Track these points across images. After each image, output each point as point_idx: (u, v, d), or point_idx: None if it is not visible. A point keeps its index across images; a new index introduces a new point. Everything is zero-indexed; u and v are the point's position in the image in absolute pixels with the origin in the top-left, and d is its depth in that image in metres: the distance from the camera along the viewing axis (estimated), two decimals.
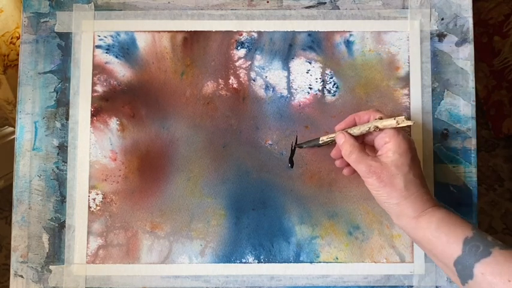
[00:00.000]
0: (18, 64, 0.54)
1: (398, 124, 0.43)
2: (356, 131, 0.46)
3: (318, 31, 0.54)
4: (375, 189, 0.44)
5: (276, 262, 0.52)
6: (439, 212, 0.43)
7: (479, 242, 0.40)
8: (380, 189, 0.43)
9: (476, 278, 0.39)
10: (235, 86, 0.54)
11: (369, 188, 0.45)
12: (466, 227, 0.41)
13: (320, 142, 0.50)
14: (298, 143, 0.53)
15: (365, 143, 0.48)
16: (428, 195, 0.44)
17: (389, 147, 0.43)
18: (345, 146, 0.45)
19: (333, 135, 0.48)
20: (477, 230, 0.41)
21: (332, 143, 0.49)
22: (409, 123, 0.43)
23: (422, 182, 0.44)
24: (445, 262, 0.42)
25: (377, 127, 0.44)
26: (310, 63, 0.54)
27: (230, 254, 0.52)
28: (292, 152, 0.53)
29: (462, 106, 0.54)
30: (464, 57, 0.54)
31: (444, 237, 0.41)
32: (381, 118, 0.45)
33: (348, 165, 0.49)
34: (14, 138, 0.65)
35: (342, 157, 0.47)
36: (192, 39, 0.54)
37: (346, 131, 0.47)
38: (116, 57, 0.54)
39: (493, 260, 0.38)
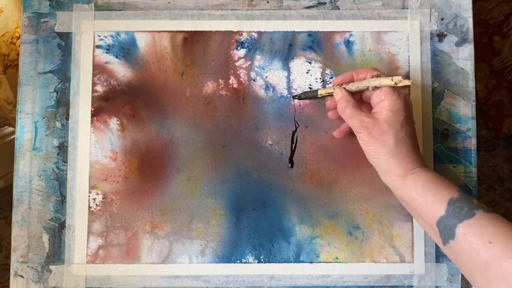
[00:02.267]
0: (18, 64, 0.54)
1: (396, 84, 0.44)
2: (353, 87, 0.47)
3: (318, 31, 0.54)
4: (365, 145, 0.44)
5: (276, 262, 0.52)
6: (426, 173, 0.43)
7: (463, 204, 0.40)
8: (370, 144, 0.44)
9: (458, 238, 0.39)
10: (235, 86, 0.54)
11: (360, 144, 0.45)
12: (452, 189, 0.42)
13: (318, 95, 0.50)
14: (295, 95, 0.53)
15: (362, 100, 0.49)
16: (417, 155, 0.44)
17: (383, 105, 0.44)
18: (341, 102, 0.46)
19: (330, 89, 0.49)
20: (463, 192, 0.41)
21: (329, 96, 0.50)
22: (407, 82, 0.43)
23: (413, 141, 0.44)
24: (428, 221, 0.42)
25: (374, 86, 0.45)
26: (310, 63, 0.54)
27: (230, 254, 0.52)
28: (292, 152, 0.53)
29: (462, 106, 0.54)
30: (464, 57, 0.54)
31: (429, 197, 0.42)
32: (378, 76, 0.45)
33: (337, 116, 0.50)
34: (14, 138, 0.65)
35: (335, 109, 0.49)
36: (192, 39, 0.54)
37: (344, 87, 0.47)
38: (116, 57, 0.54)
39: (476, 222, 0.39)
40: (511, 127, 1.19)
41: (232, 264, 0.52)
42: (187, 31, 0.54)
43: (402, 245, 0.53)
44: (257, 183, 0.53)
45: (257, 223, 0.53)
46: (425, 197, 0.42)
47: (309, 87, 0.54)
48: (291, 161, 0.53)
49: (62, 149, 0.53)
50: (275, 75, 0.54)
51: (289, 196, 0.53)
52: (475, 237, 0.38)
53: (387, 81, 0.44)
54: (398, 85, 0.44)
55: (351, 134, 0.51)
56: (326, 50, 0.54)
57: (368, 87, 0.46)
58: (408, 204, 0.44)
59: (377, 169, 0.46)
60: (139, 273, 0.52)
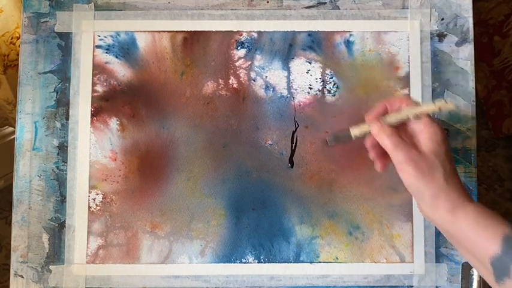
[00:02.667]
0: (18, 64, 0.54)
1: (440, 109, 0.41)
2: (391, 119, 0.42)
3: (318, 31, 0.54)
4: (412, 180, 0.41)
5: (276, 262, 0.52)
6: (476, 207, 0.41)
7: None
8: (418, 179, 0.40)
9: None
10: (235, 86, 0.54)
11: (403, 179, 0.42)
12: (504, 223, 0.40)
13: (352, 137, 0.44)
14: (327, 139, 0.46)
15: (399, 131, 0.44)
16: (463, 188, 0.42)
17: (426, 136, 0.41)
18: (381, 135, 0.42)
19: (365, 126, 0.44)
20: None
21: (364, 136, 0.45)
22: (451, 106, 0.41)
23: (457, 174, 0.42)
24: (479, 258, 0.40)
25: (416, 114, 0.41)
26: (310, 63, 0.54)
27: (230, 254, 0.52)
28: (292, 152, 0.53)
29: (462, 106, 0.54)
30: (464, 57, 0.54)
31: (482, 233, 0.39)
32: (416, 104, 0.42)
33: (381, 157, 0.45)
34: (14, 138, 0.65)
35: (375, 147, 0.44)
36: (192, 39, 0.54)
37: (381, 119, 0.43)
38: (116, 57, 0.54)
39: None
40: (511, 127, 1.19)
41: (232, 264, 0.52)
42: (187, 31, 0.54)
43: (402, 245, 0.53)
44: (257, 183, 0.53)
45: (257, 223, 0.53)
46: (477, 233, 0.40)
47: (309, 87, 0.54)
48: (291, 161, 0.53)
49: (62, 149, 0.53)
50: (275, 75, 0.54)
51: (289, 196, 0.53)
52: None
53: (431, 106, 0.41)
54: (442, 110, 0.41)
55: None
56: (326, 50, 0.54)
57: (408, 116, 0.41)
58: (458, 240, 0.42)
59: (421, 206, 0.43)
60: (139, 273, 0.52)
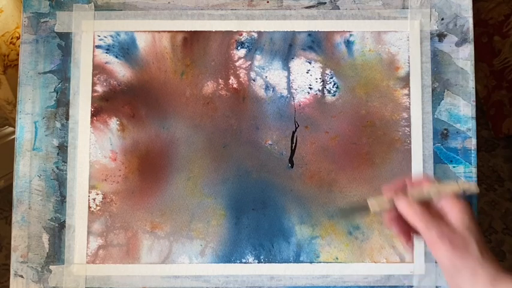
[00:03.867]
0: (18, 64, 0.54)
1: (465, 192, 0.40)
2: (415, 194, 0.41)
3: (318, 31, 0.54)
4: (447, 256, 0.40)
5: (276, 262, 0.52)
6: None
7: None
8: (454, 256, 0.39)
9: None
10: (235, 86, 0.54)
11: (437, 257, 0.40)
12: None
13: (371, 211, 0.42)
14: (342, 209, 0.46)
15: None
16: (498, 262, 0.41)
17: (457, 211, 0.40)
18: (409, 212, 0.41)
19: (385, 201, 0.42)
20: None
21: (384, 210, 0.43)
22: (474, 189, 0.41)
23: (489, 248, 0.41)
24: None
25: (439, 193, 0.41)
26: (310, 63, 0.54)
27: (230, 254, 0.52)
28: (292, 152, 0.53)
29: (462, 106, 0.54)
30: (464, 57, 0.54)
31: None
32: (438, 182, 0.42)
33: (405, 231, 0.43)
34: (14, 138, 0.65)
35: (398, 222, 0.43)
36: (192, 39, 0.54)
37: (406, 195, 0.42)
38: (116, 57, 0.54)
39: None
40: (511, 127, 1.19)
41: (232, 264, 0.52)
42: (187, 31, 0.54)
43: (402, 245, 0.53)
44: (257, 183, 0.53)
45: (257, 223, 0.53)
46: None
47: (309, 87, 0.54)
48: (291, 161, 0.53)
49: (62, 149, 0.53)
50: (275, 75, 0.54)
51: (289, 196, 0.53)
52: None
53: (455, 187, 0.40)
54: (467, 193, 0.40)
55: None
56: (326, 50, 0.54)
57: (430, 194, 0.41)
58: None
59: (459, 281, 0.41)
60: (139, 273, 0.52)
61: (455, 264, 0.40)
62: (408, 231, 0.43)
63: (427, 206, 0.42)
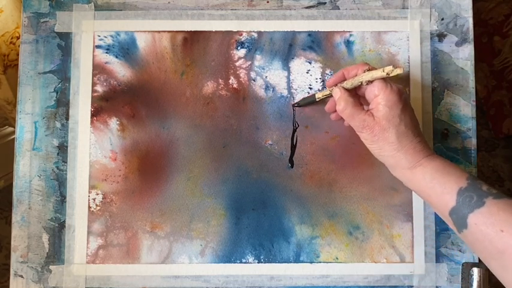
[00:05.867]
0: (18, 64, 0.54)
1: (388, 75, 0.42)
2: (347, 85, 0.46)
3: (318, 31, 0.54)
4: (368, 143, 0.45)
5: (276, 262, 0.52)
6: (434, 162, 0.43)
7: (473, 193, 0.40)
8: (373, 143, 0.44)
9: (470, 228, 0.39)
10: (235, 86, 0.54)
11: (364, 142, 0.45)
12: (461, 177, 0.42)
13: (316, 99, 0.50)
14: (294, 103, 0.53)
15: (358, 96, 0.48)
16: (422, 144, 0.44)
17: (379, 101, 0.43)
18: (340, 101, 0.45)
19: (327, 91, 0.49)
20: (472, 180, 0.41)
21: (326, 98, 0.50)
22: (399, 71, 0.42)
23: (415, 131, 0.44)
24: (440, 212, 0.43)
25: (367, 80, 0.44)
26: (310, 63, 0.54)
27: (230, 254, 0.52)
28: (292, 152, 0.53)
29: (462, 106, 0.54)
30: (464, 57, 0.54)
31: (438, 188, 0.42)
32: (369, 70, 0.44)
33: (340, 117, 0.50)
34: (14, 138, 0.65)
35: (335, 111, 0.48)
36: (192, 39, 0.54)
37: (341, 86, 0.46)
38: (116, 57, 0.54)
39: (486, 210, 0.39)
40: (511, 127, 1.19)
41: (232, 264, 0.52)
42: (187, 31, 0.54)
43: (402, 245, 0.53)
44: (257, 183, 0.53)
45: (257, 223, 0.53)
46: (435, 189, 0.42)
47: (309, 87, 0.54)
48: (291, 161, 0.53)
49: (62, 149, 0.53)
50: (275, 75, 0.54)
51: (289, 196, 0.53)
52: (486, 226, 0.38)
53: (379, 73, 0.43)
54: (391, 75, 0.42)
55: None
56: (326, 50, 0.54)
57: (361, 82, 0.44)
58: (420, 195, 0.45)
59: (385, 164, 0.46)
60: (139, 273, 0.52)
61: (377, 151, 0.44)
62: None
63: (360, 95, 0.47)
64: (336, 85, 0.47)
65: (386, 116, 0.42)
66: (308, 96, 0.52)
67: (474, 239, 0.40)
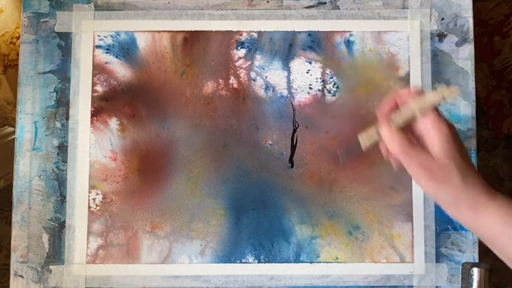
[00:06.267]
0: (18, 64, 0.54)
1: (444, 98, 0.38)
2: (399, 120, 0.40)
3: (318, 31, 0.54)
4: (426, 186, 0.39)
5: (276, 262, 0.52)
6: (501, 204, 0.38)
7: None
8: (434, 185, 0.39)
9: None
10: (235, 86, 0.54)
11: (418, 185, 0.40)
12: None
13: (363, 148, 0.42)
14: (340, 156, 0.47)
15: (412, 132, 0.42)
16: (485, 184, 0.39)
17: (435, 136, 0.38)
18: (389, 141, 0.40)
19: (373, 132, 0.41)
20: None
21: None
22: (455, 92, 0.38)
23: (475, 169, 0.39)
24: (510, 257, 0.39)
25: (422, 108, 0.38)
26: (310, 63, 0.54)
27: (230, 254, 0.52)
28: (292, 152, 0.53)
29: (462, 106, 0.54)
30: (464, 57, 0.54)
31: (509, 232, 0.38)
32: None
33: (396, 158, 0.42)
34: (14, 138, 0.65)
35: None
36: (192, 39, 0.54)
37: (391, 122, 0.40)
38: (116, 57, 0.54)
39: None
40: (511, 127, 1.19)
41: (232, 264, 0.52)
42: (187, 31, 0.54)
43: (402, 245, 0.53)
44: (257, 183, 0.53)
45: (257, 223, 0.53)
46: (503, 233, 0.38)
47: (309, 87, 0.54)
48: (291, 161, 0.53)
49: (62, 149, 0.53)
50: (275, 75, 0.54)
51: (289, 196, 0.53)
52: None
53: (434, 97, 0.38)
54: (446, 97, 0.38)
55: None
56: (326, 49, 0.54)
57: (414, 112, 0.39)
58: (485, 239, 0.40)
59: (445, 208, 0.41)
60: (139, 273, 0.52)
61: (437, 193, 0.39)
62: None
63: (410, 132, 0.41)
64: (385, 121, 0.41)
65: (446, 153, 0.38)
66: (353, 147, 0.44)
67: None
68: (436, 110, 0.39)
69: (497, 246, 0.40)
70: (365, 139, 0.41)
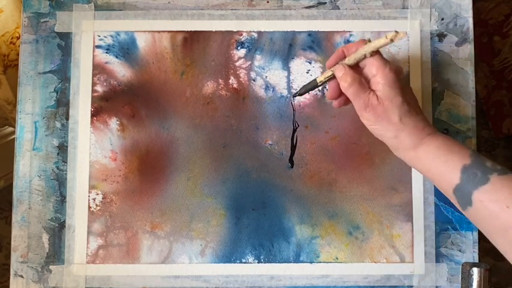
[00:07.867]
0: (18, 64, 0.54)
1: (392, 41, 0.40)
2: (350, 61, 0.43)
3: (318, 31, 0.54)
4: (371, 124, 0.43)
5: (276, 262, 0.52)
6: (436, 140, 0.42)
7: (476, 169, 0.39)
8: (376, 123, 0.42)
9: (475, 205, 0.39)
10: (235, 86, 0.54)
11: (364, 123, 0.44)
12: (464, 154, 0.41)
13: (318, 83, 0.46)
14: (295, 93, 0.50)
15: (362, 75, 0.45)
16: (423, 122, 0.43)
17: (378, 80, 0.42)
18: (344, 78, 0.43)
19: (328, 72, 0.45)
20: (475, 156, 0.40)
21: (328, 82, 0.46)
22: (402, 35, 0.41)
23: (416, 110, 0.43)
24: (445, 190, 0.42)
25: (371, 51, 0.42)
26: (310, 63, 0.54)
27: (230, 254, 0.52)
28: (292, 152, 0.53)
29: (462, 106, 0.54)
30: (464, 57, 0.54)
31: (442, 166, 0.41)
32: (369, 41, 0.43)
33: (339, 98, 0.47)
34: (14, 138, 0.65)
35: (338, 97, 0.46)
36: (192, 39, 0.54)
37: (343, 63, 0.44)
38: (116, 57, 0.54)
39: (491, 187, 0.38)
40: (511, 127, 1.19)
41: (232, 264, 0.52)
42: (187, 31, 0.54)
43: (402, 245, 0.53)
44: (257, 183, 0.53)
45: (257, 223, 0.53)
46: (438, 167, 0.41)
47: None
48: (291, 161, 0.53)
49: (62, 149, 0.53)
50: (275, 75, 0.54)
51: (289, 196, 0.53)
52: (491, 203, 0.38)
53: (382, 40, 0.41)
54: (396, 40, 0.40)
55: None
56: (326, 50, 0.54)
57: (365, 55, 0.42)
58: (424, 174, 0.44)
59: (388, 145, 0.44)
60: (139, 273, 0.52)
61: (379, 132, 0.43)
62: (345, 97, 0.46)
63: (361, 74, 0.44)
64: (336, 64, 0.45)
65: (388, 96, 0.41)
66: (308, 83, 0.47)
67: (479, 216, 0.39)
68: (380, 55, 0.42)
69: (434, 179, 0.43)
70: (320, 77, 0.46)
